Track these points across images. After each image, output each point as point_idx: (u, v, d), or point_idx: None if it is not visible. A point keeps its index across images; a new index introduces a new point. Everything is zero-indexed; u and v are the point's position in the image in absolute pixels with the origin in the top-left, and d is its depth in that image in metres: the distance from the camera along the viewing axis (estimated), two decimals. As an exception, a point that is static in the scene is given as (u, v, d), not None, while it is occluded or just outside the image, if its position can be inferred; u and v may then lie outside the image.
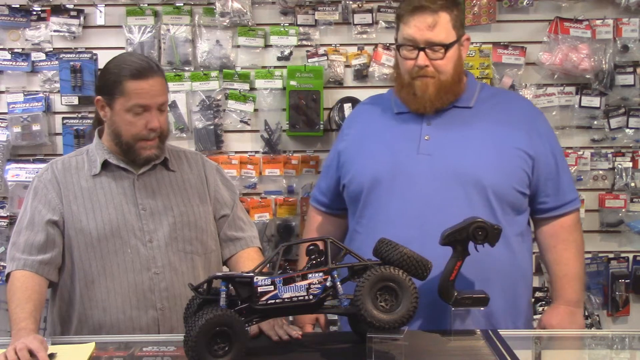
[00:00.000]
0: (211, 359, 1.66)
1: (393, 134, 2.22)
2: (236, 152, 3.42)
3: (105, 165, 2.19)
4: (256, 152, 3.43)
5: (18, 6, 3.37)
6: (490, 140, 2.15)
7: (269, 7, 3.40)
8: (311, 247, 1.81)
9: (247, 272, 1.74)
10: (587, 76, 3.34)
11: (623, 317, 3.46)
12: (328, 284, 1.72)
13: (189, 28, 3.38)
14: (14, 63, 3.38)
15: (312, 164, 3.41)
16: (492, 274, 2.10)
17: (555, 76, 3.38)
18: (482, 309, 2.04)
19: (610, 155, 3.41)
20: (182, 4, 3.38)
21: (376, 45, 3.38)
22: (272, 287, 1.71)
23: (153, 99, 2.11)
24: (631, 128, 3.39)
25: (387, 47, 3.37)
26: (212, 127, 3.39)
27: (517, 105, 2.27)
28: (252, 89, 3.39)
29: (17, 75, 3.39)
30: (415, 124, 2.19)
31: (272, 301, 1.71)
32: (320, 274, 1.72)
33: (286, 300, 1.71)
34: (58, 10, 3.36)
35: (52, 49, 3.39)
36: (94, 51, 3.38)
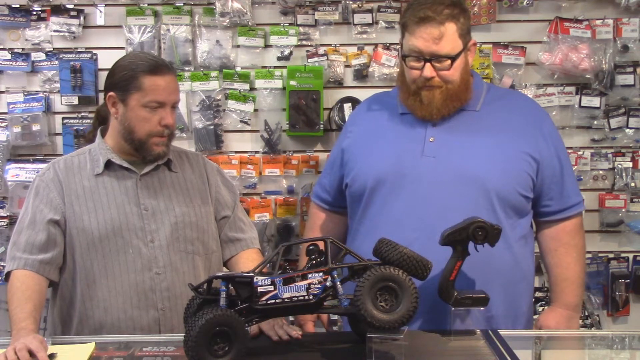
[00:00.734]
0: (211, 359, 1.66)
1: (398, 135, 2.21)
2: (236, 152, 3.42)
3: (108, 164, 2.19)
4: (256, 152, 3.43)
5: (18, 6, 3.37)
6: (495, 143, 2.14)
7: (269, 7, 3.40)
8: (311, 247, 1.81)
9: (247, 272, 1.74)
10: (587, 76, 3.34)
11: (623, 317, 3.47)
12: (328, 284, 1.72)
13: (189, 28, 3.38)
14: (14, 63, 3.38)
15: (312, 164, 3.41)
16: (493, 277, 2.10)
17: (555, 76, 3.38)
18: (482, 311, 2.05)
19: (610, 155, 3.41)
20: (182, 4, 3.38)
21: (376, 45, 3.38)
22: (272, 287, 1.71)
23: (169, 96, 2.14)
24: (631, 128, 3.39)
25: (387, 47, 3.37)
26: (212, 127, 3.39)
27: (523, 107, 2.25)
28: (252, 89, 3.39)
29: (17, 75, 3.40)
30: (420, 126, 2.19)
31: (272, 301, 1.71)
32: (320, 274, 1.72)
33: (286, 300, 1.71)
34: (58, 10, 3.36)
35: (52, 49, 3.39)
36: (94, 51, 3.38)
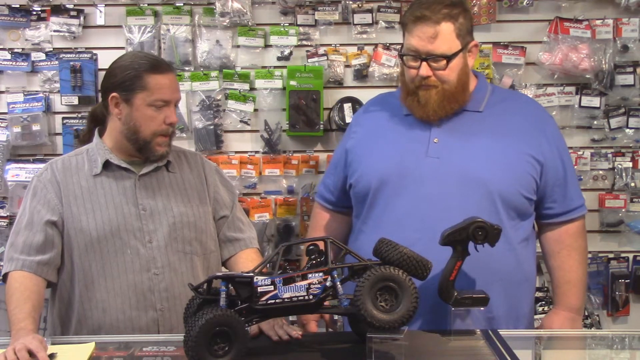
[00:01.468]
0: (211, 359, 1.66)
1: (402, 135, 2.21)
2: (236, 152, 3.42)
3: (106, 165, 2.18)
4: (256, 152, 3.43)
5: (18, 6, 3.37)
6: (499, 145, 2.14)
7: (269, 7, 3.40)
8: (311, 247, 1.81)
9: (247, 272, 1.74)
10: (587, 76, 3.34)
11: (623, 317, 3.47)
12: (328, 284, 1.72)
13: (189, 28, 3.38)
14: (14, 63, 3.38)
15: (312, 164, 3.41)
16: (496, 278, 2.10)
17: (555, 76, 3.38)
18: (483, 311, 2.05)
19: (610, 155, 3.41)
20: (182, 4, 3.38)
21: (376, 45, 3.38)
22: (272, 287, 1.70)
23: (173, 94, 2.16)
24: (631, 128, 3.39)
25: (387, 47, 3.36)
26: (212, 127, 3.39)
27: (527, 110, 2.25)
28: (252, 89, 3.39)
29: (17, 75, 3.40)
30: (424, 127, 2.18)
31: (272, 301, 1.71)
32: (320, 274, 1.72)
33: (286, 300, 1.71)
34: (58, 10, 3.36)
35: (52, 49, 3.39)
36: (94, 51, 3.38)
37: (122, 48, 3.34)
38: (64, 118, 3.39)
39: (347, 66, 3.41)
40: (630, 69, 3.34)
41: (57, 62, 3.37)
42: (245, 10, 3.34)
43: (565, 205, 2.22)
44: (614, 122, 3.39)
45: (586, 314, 3.37)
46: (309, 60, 3.38)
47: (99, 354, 1.86)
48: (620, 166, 3.40)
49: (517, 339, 1.99)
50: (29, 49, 3.38)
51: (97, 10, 3.38)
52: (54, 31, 3.36)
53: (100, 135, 2.24)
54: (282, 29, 3.37)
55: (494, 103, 2.22)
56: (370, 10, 3.36)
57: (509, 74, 3.37)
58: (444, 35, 2.08)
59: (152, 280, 2.14)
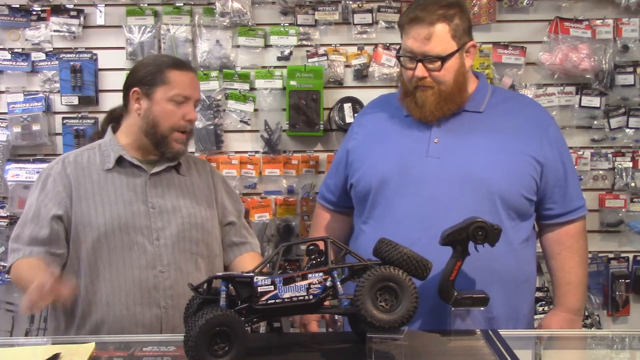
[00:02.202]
0: (211, 359, 1.66)
1: (403, 136, 2.21)
2: (236, 152, 3.42)
3: (119, 161, 2.21)
4: (256, 152, 3.43)
5: (18, 6, 3.37)
6: (500, 145, 2.14)
7: (269, 7, 3.41)
8: (311, 247, 1.81)
9: (247, 272, 1.74)
10: (587, 76, 3.34)
11: (623, 317, 3.47)
12: (328, 284, 1.72)
13: (189, 28, 3.38)
14: (14, 63, 3.38)
15: (312, 164, 3.41)
16: (496, 279, 2.10)
17: (555, 76, 3.38)
18: (483, 312, 2.05)
19: (610, 155, 3.41)
20: (182, 4, 3.38)
21: (376, 45, 3.38)
22: (272, 287, 1.70)
23: (194, 91, 2.20)
24: (631, 128, 3.39)
25: (387, 47, 3.37)
26: (212, 127, 3.39)
27: (528, 111, 2.24)
28: (252, 89, 3.39)
29: (17, 75, 3.40)
30: (425, 127, 2.19)
31: (272, 301, 1.71)
32: (320, 274, 1.72)
33: (286, 300, 1.71)
34: (58, 10, 3.37)
35: (52, 49, 3.39)
36: (94, 51, 3.38)
37: (122, 48, 3.35)
38: (64, 118, 3.39)
39: (347, 66, 3.41)
40: (630, 69, 3.35)
41: (57, 62, 3.37)
42: (245, 10, 3.34)
43: (566, 206, 2.22)
44: (614, 122, 3.39)
45: (586, 314, 3.37)
46: (309, 60, 3.38)
47: (99, 354, 1.86)
48: (620, 166, 3.40)
49: (517, 339, 1.99)
50: (29, 49, 3.38)
51: (97, 10, 3.38)
52: (54, 31, 3.37)
53: (114, 132, 2.26)
54: (282, 29, 3.37)
55: (495, 104, 2.22)
56: (370, 10, 3.36)
57: (509, 74, 3.37)
58: (438, 37, 2.08)
59: (157, 278, 2.15)
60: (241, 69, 3.39)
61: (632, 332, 2.36)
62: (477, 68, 3.31)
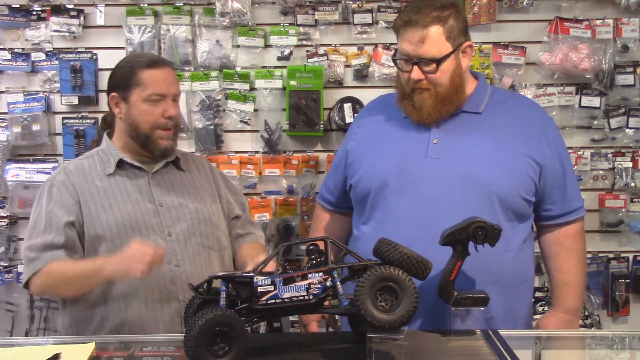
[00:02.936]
0: (211, 359, 1.66)
1: (402, 137, 2.21)
2: (236, 152, 3.42)
3: (119, 164, 2.22)
4: (256, 152, 3.43)
5: (18, 6, 3.37)
6: (499, 146, 2.14)
7: (269, 7, 3.40)
8: (311, 247, 1.81)
9: (247, 272, 1.75)
10: (587, 76, 3.34)
11: (623, 317, 3.47)
12: (328, 284, 1.72)
13: (189, 28, 3.38)
14: (14, 63, 3.38)
15: (312, 164, 3.41)
16: (493, 279, 2.10)
17: (555, 76, 3.38)
18: (481, 312, 2.05)
19: (610, 155, 3.41)
20: (182, 4, 3.38)
21: (376, 45, 3.38)
22: (272, 287, 1.71)
23: (169, 88, 2.19)
24: (631, 128, 3.39)
25: (387, 47, 3.37)
26: (212, 127, 3.39)
27: (527, 111, 2.24)
28: (252, 89, 3.39)
29: (17, 75, 3.40)
30: (424, 128, 2.18)
31: (272, 301, 1.71)
32: (320, 274, 1.72)
33: (286, 300, 1.71)
34: (58, 10, 3.36)
35: (52, 49, 3.39)
36: (94, 51, 3.38)
37: (122, 48, 3.34)
38: (64, 118, 3.39)
39: (347, 66, 3.41)
40: (630, 69, 3.35)
41: (57, 62, 3.37)
42: (245, 10, 3.34)
43: (564, 207, 2.22)
44: (614, 122, 3.39)
45: (586, 314, 3.37)
46: (309, 60, 3.38)
47: (99, 354, 1.86)
48: (620, 166, 3.40)
49: (517, 339, 1.99)
50: (29, 49, 3.38)
51: (97, 10, 3.38)
52: (54, 31, 3.36)
53: (110, 138, 2.29)
54: (282, 29, 3.37)
55: (494, 104, 2.22)
56: (370, 10, 3.36)
57: (509, 74, 3.37)
58: (432, 39, 2.08)
59: (173, 272, 2.17)
60: (241, 69, 3.39)
61: (632, 332, 2.36)
62: (477, 68, 3.31)
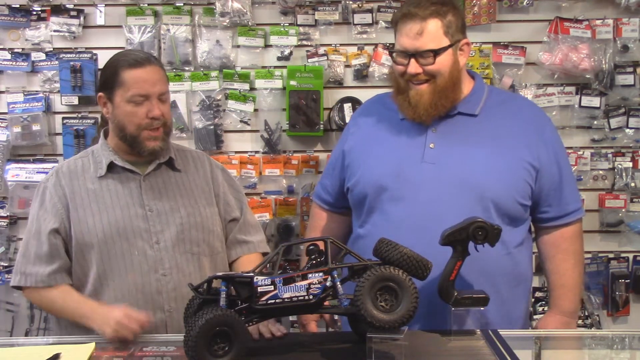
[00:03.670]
0: (211, 359, 1.66)
1: (398, 140, 2.20)
2: (236, 152, 3.43)
3: (111, 166, 2.18)
4: (256, 152, 3.43)
5: (18, 6, 3.37)
6: (495, 150, 2.13)
7: (269, 7, 3.41)
8: (311, 247, 1.81)
9: (247, 272, 1.74)
10: (587, 76, 3.34)
11: (623, 317, 3.47)
12: (328, 284, 1.72)
13: (189, 28, 3.38)
14: (14, 63, 3.38)
15: (312, 164, 3.41)
16: (490, 282, 2.09)
17: (555, 76, 3.38)
18: (478, 315, 2.04)
19: (610, 155, 3.41)
20: (182, 4, 3.38)
21: (376, 45, 3.38)
22: (272, 287, 1.70)
23: (152, 88, 2.11)
24: (631, 128, 3.39)
25: (387, 47, 3.36)
26: (212, 127, 3.39)
27: (525, 113, 2.23)
28: (252, 89, 3.39)
29: (17, 75, 3.40)
30: (420, 131, 2.18)
31: (272, 301, 1.71)
32: (320, 274, 1.72)
33: (286, 300, 1.71)
34: (58, 10, 3.37)
35: (52, 49, 3.39)
36: (94, 51, 3.38)
37: (122, 48, 3.34)
38: (64, 118, 3.39)
39: (347, 66, 3.41)
40: (630, 69, 3.35)
41: (57, 62, 3.37)
42: (245, 10, 3.34)
43: (561, 209, 2.21)
44: (614, 122, 3.39)
45: (586, 314, 3.37)
46: (309, 60, 3.38)
47: (99, 354, 1.86)
48: (620, 166, 3.40)
49: (517, 339, 1.99)
50: (29, 49, 3.38)
51: (97, 10, 3.38)
52: (54, 31, 3.37)
53: (106, 136, 2.25)
54: (282, 29, 3.37)
55: (491, 106, 2.21)
56: (370, 10, 3.36)
57: (509, 74, 3.37)
58: (430, 32, 2.07)
59: (159, 282, 2.13)
60: (241, 69, 3.39)
61: (632, 332, 2.35)
62: (477, 68, 3.32)
